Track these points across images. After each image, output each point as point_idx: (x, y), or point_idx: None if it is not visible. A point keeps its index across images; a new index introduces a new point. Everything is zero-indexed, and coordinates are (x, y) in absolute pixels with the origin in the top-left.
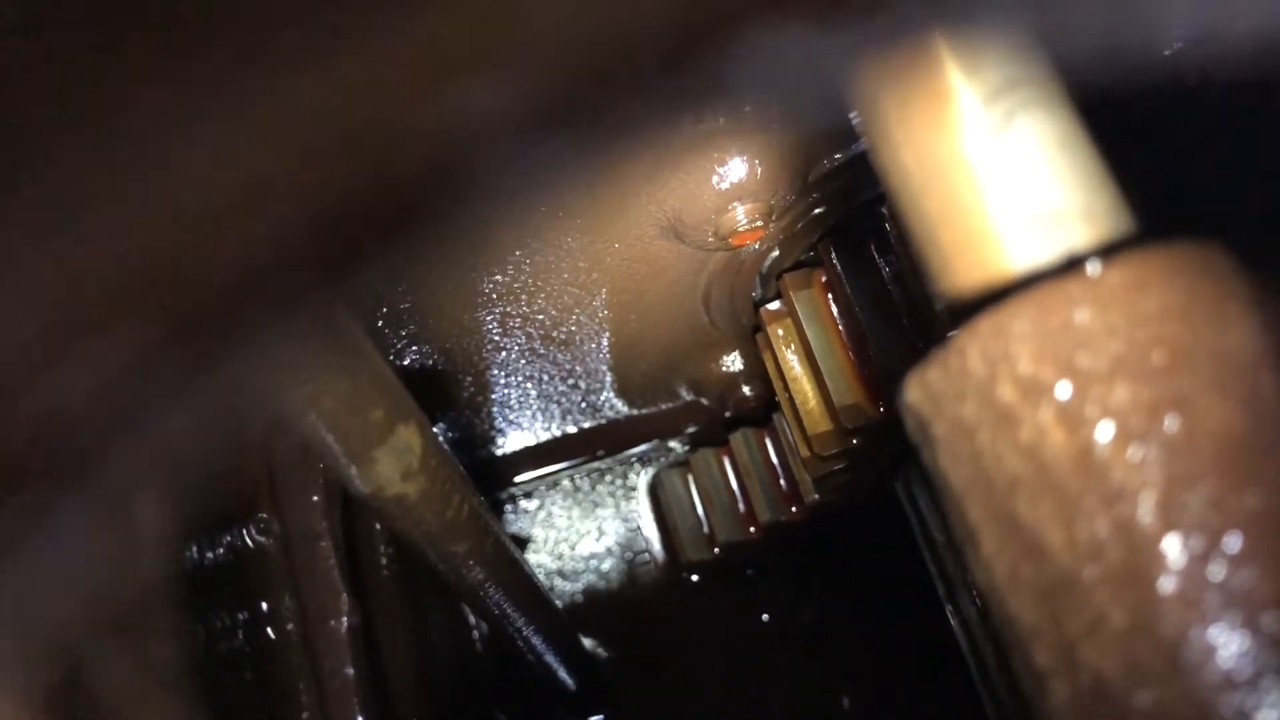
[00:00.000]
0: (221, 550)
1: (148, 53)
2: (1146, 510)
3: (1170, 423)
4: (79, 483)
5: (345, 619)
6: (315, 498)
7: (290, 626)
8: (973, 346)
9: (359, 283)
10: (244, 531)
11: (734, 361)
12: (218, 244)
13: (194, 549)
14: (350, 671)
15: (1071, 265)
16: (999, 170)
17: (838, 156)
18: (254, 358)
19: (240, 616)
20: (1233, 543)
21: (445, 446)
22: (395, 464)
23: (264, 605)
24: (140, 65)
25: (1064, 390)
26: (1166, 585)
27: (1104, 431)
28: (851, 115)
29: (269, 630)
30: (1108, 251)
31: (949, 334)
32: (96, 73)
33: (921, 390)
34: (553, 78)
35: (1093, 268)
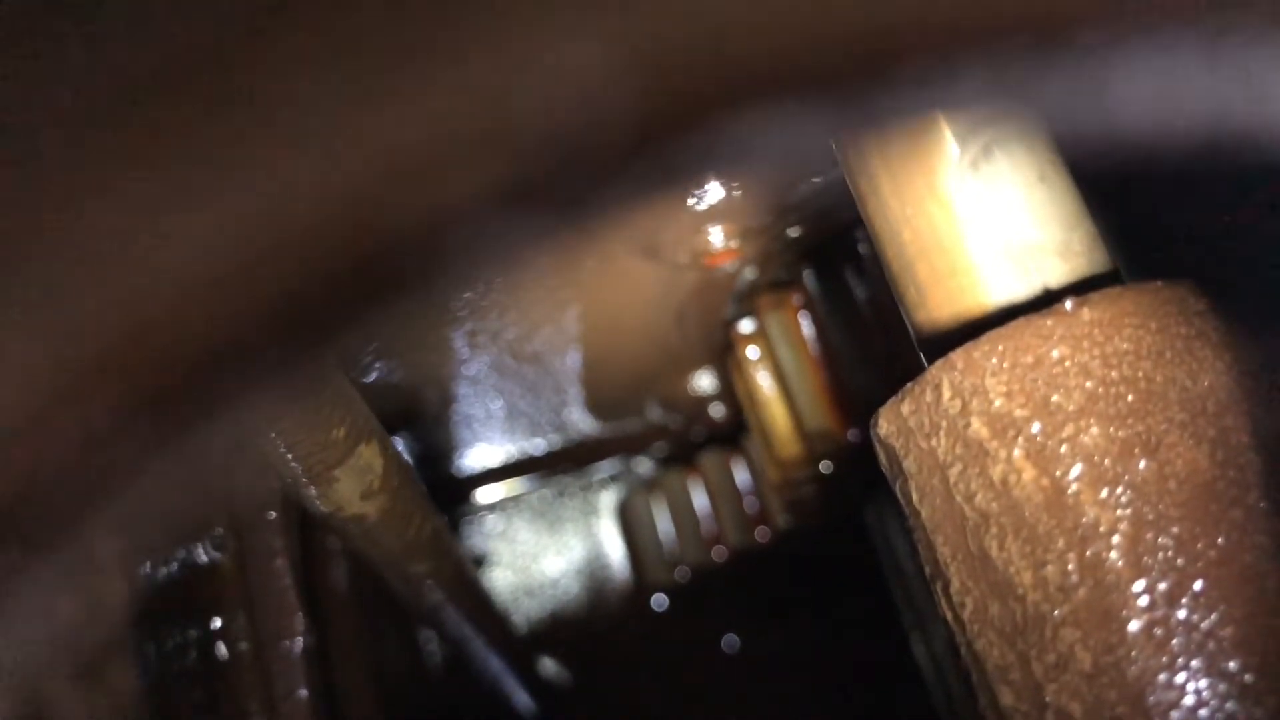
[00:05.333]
0: (175, 566)
1: (130, 138)
2: (1116, 551)
3: (1141, 464)
4: (51, 544)
5: (300, 639)
6: (272, 514)
7: (243, 645)
8: (946, 381)
9: (338, 347)
10: (198, 547)
11: (705, 381)
12: (188, 324)
13: (146, 564)
14: (304, 693)
15: (1047, 301)
16: (976, 204)
17: (815, 180)
18: (230, 419)
19: (191, 634)
20: (1200, 586)
21: (408, 465)
22: (355, 484)
23: (216, 623)
24: (122, 150)
25: (1036, 428)
26: (1135, 627)
27: (1075, 471)
28: (830, 143)
29: (221, 649)
30: (1083, 288)
31: (923, 366)
32: (76, 159)
33: (893, 423)
34: (532, 165)
35: (1068, 305)
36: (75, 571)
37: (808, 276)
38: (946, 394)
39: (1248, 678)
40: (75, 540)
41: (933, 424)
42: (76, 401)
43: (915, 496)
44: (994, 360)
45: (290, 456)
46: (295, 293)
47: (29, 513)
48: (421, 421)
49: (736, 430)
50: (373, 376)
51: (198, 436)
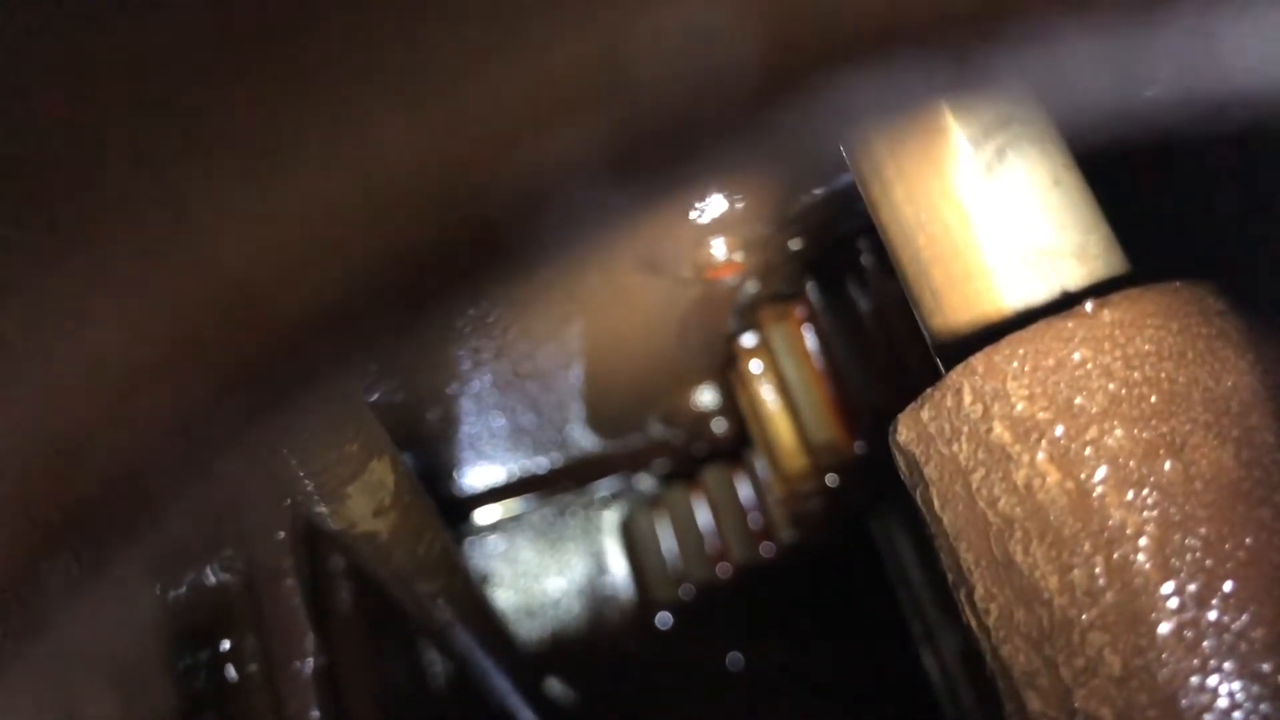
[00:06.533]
0: (183, 587)
1: (235, 96)
2: (1144, 554)
3: (1166, 465)
4: (133, 537)
5: (311, 660)
6: (281, 534)
7: (253, 667)
8: (967, 385)
9: (423, 329)
10: (206, 568)
11: (707, 396)
12: (286, 293)
13: (156, 586)
14: (316, 714)
15: (1065, 304)
16: (992, 207)
17: (818, 191)
18: (305, 408)
19: (201, 656)
20: (1230, 587)
21: (417, 481)
22: (368, 500)
23: (225, 645)
24: (223, 108)
25: (1059, 431)
26: (1164, 630)
27: (1100, 473)
28: (839, 149)
29: (231, 671)
30: (1102, 290)
31: (940, 373)
32: (177, 108)
33: (913, 430)
34: (642, 125)
35: (1088, 306)
36: (145, 573)
37: (810, 289)
38: (967, 399)
39: None
40: (159, 534)
41: (954, 429)
42: (167, 380)
43: (937, 503)
44: (1015, 364)
45: (303, 473)
46: (396, 260)
47: (119, 500)
48: (422, 441)
49: (739, 445)
50: (376, 395)
51: (291, 412)
